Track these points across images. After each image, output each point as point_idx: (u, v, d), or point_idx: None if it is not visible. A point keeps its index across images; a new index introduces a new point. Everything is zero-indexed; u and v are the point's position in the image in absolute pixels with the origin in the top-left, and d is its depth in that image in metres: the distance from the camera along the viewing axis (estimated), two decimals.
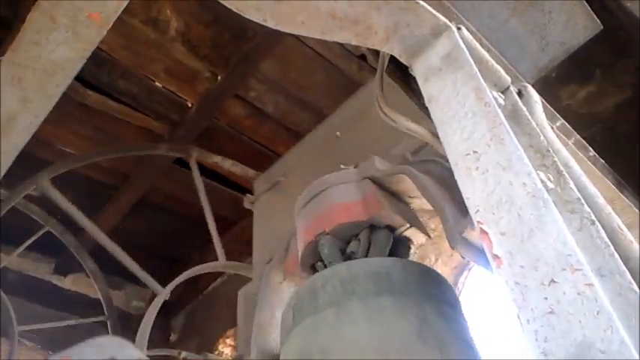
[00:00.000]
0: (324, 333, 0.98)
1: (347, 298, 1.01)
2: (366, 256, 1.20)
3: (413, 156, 1.43)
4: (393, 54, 1.06)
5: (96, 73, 2.67)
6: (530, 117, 0.96)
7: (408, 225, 1.30)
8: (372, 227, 1.26)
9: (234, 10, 0.88)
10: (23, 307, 2.99)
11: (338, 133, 1.89)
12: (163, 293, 2.33)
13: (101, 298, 3.01)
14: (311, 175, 1.86)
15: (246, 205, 2.13)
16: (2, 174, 1.07)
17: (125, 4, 0.83)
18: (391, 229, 1.28)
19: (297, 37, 2.61)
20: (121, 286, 3.79)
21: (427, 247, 3.83)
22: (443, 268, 3.69)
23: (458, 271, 3.73)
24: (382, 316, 0.97)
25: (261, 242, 1.93)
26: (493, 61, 1.03)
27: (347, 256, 1.23)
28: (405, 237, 1.31)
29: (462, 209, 1.05)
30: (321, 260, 1.25)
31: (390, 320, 0.97)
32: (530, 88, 1.07)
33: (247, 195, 2.15)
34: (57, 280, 3.58)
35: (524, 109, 0.98)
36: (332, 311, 1.00)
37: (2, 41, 2.37)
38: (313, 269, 1.28)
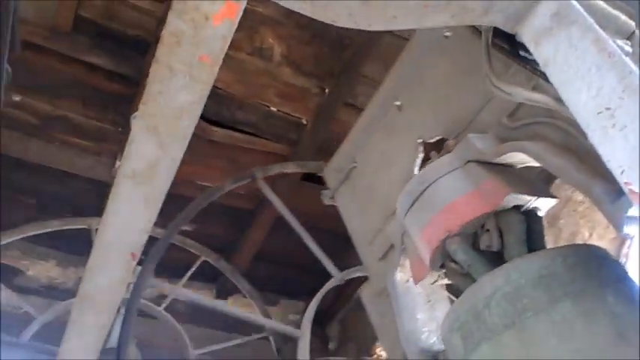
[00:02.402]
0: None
1: (522, 316, 0.92)
2: (502, 244, 1.15)
3: (511, 120, 1.29)
4: (495, 25, 1.01)
5: (217, 110, 2.89)
6: None
7: (535, 197, 1.22)
8: (497, 213, 1.20)
9: (328, 22, 0.91)
10: (194, 332, 3.30)
11: (397, 102, 1.75)
12: (338, 277, 2.44)
13: (261, 315, 3.22)
14: (382, 155, 1.78)
15: (326, 201, 2.05)
16: (156, 215, 1.21)
17: (229, 41, 0.90)
18: (517, 207, 1.21)
19: (392, 33, 2.59)
20: (276, 301, 4.01)
21: (579, 222, 3.53)
22: (600, 243, 3.37)
23: (618, 241, 3.38)
24: (569, 327, 0.87)
25: (361, 238, 1.86)
26: (610, 8, 0.94)
27: (482, 252, 1.19)
28: (534, 208, 1.23)
29: (603, 177, 0.97)
30: (451, 259, 1.23)
31: (579, 329, 0.87)
32: None
33: (323, 191, 2.06)
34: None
35: None
36: (510, 334, 0.92)
37: (134, 98, 2.65)
38: (442, 267, 1.27)
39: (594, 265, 0.97)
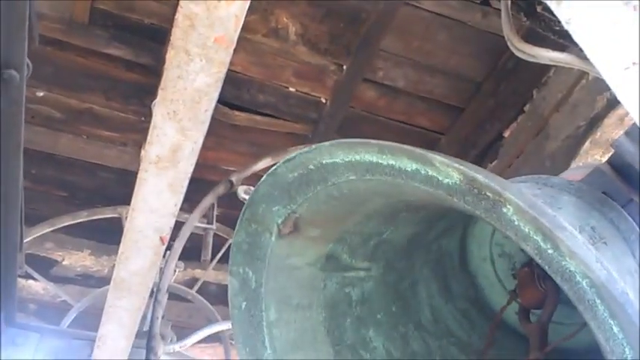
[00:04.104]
0: None
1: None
2: None
3: None
4: None
5: (238, 95, 2.90)
6: None
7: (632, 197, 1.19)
8: None
9: None
10: (226, 312, 3.37)
11: None
12: None
13: None
14: None
15: None
16: (181, 198, 1.23)
17: (242, 21, 0.90)
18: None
19: (410, 5, 2.55)
20: None
21: None
22: None
23: None
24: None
25: None
26: None
27: None
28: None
29: None
30: None
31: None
32: None
33: None
34: None
35: None
36: None
37: (154, 87, 2.68)
38: None
39: (607, 208, 0.98)
